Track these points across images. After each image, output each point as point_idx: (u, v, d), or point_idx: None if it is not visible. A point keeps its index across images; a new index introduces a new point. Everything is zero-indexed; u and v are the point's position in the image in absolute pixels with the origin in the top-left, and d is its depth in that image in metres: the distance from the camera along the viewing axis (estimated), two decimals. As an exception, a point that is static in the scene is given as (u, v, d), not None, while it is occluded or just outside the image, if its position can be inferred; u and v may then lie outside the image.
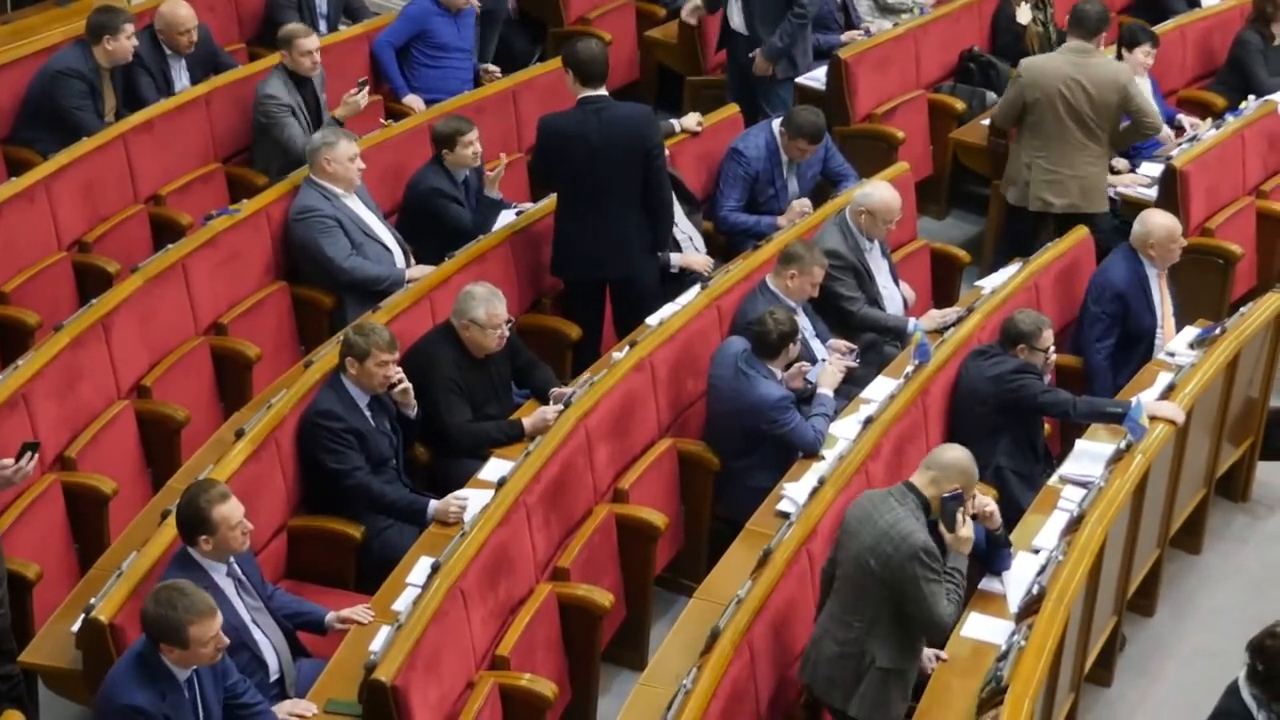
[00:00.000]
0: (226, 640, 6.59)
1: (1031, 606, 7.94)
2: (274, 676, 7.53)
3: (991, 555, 8.30)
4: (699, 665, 7.47)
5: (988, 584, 8.33)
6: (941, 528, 7.61)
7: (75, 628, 7.60)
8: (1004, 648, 7.78)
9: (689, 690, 7.29)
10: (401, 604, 7.80)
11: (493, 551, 7.98)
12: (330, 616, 7.74)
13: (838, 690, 7.65)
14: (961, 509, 7.62)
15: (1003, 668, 7.59)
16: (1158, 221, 10.26)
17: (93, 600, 7.53)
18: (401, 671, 7.18)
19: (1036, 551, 8.47)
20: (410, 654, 7.25)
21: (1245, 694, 6.89)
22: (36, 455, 7.85)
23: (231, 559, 7.39)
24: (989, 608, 8.19)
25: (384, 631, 7.56)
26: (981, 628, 8.08)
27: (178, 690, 6.39)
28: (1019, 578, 8.28)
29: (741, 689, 7.57)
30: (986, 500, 8.18)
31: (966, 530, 7.63)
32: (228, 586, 7.37)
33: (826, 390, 9.36)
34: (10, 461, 7.68)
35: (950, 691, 7.72)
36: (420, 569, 8.02)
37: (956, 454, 7.72)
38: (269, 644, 7.51)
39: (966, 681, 7.75)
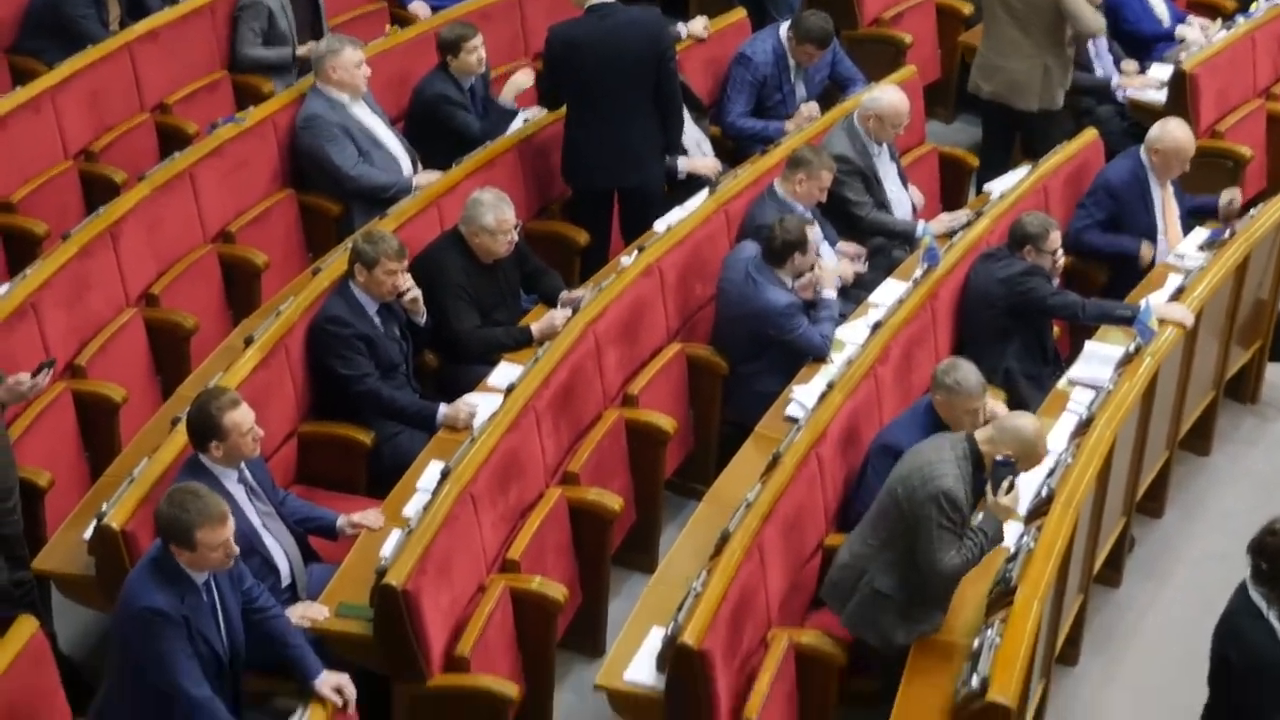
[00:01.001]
0: (237, 548, 6.60)
1: (1040, 509, 7.95)
2: (285, 582, 7.56)
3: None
4: (709, 568, 7.49)
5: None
6: (988, 488, 7.58)
7: (87, 534, 7.64)
8: (1013, 550, 7.79)
9: (699, 593, 7.32)
10: (412, 509, 7.82)
11: (503, 456, 7.99)
12: (341, 521, 7.76)
13: (836, 597, 7.69)
14: (1010, 479, 7.52)
15: (1012, 569, 7.61)
16: (1172, 132, 10.20)
17: (104, 507, 7.56)
18: (412, 576, 7.20)
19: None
20: (421, 558, 7.28)
21: (1253, 594, 6.91)
22: (52, 371, 7.86)
23: (242, 465, 7.41)
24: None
25: (394, 536, 7.59)
26: (991, 530, 8.10)
27: (196, 593, 6.43)
28: (1028, 480, 8.28)
29: (751, 592, 7.59)
30: (998, 406, 8.20)
31: (1007, 500, 7.51)
32: (238, 492, 7.39)
33: (829, 293, 9.34)
34: (26, 376, 7.68)
35: (959, 594, 7.74)
36: (430, 474, 8.04)
37: (1023, 423, 7.59)
38: (280, 549, 7.54)
39: (975, 584, 7.77)
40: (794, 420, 8.58)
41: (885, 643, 7.55)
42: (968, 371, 8.10)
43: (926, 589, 7.51)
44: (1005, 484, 7.53)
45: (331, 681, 6.69)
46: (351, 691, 6.72)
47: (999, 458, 7.53)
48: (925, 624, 7.58)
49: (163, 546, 6.39)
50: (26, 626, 6.88)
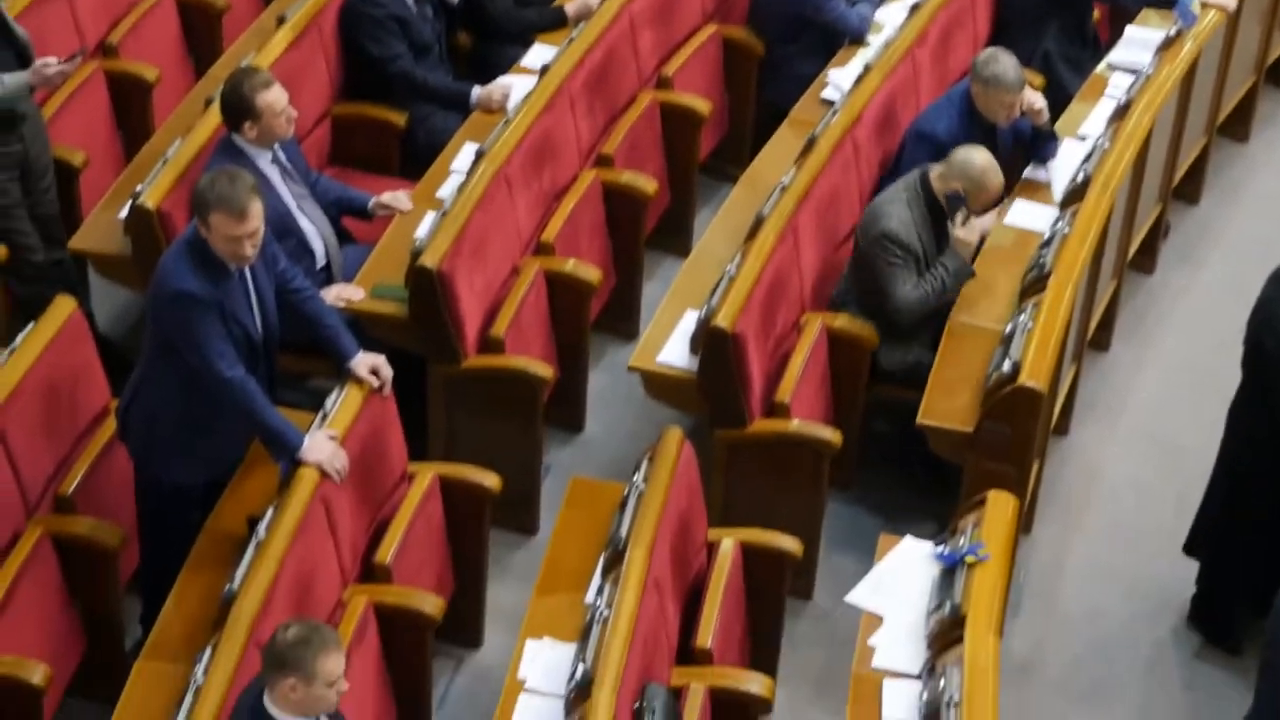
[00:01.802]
0: (260, 237, 6.50)
1: (1076, 194, 7.93)
2: (320, 263, 7.58)
3: (1037, 145, 8.28)
4: (743, 251, 7.50)
5: (1033, 172, 8.32)
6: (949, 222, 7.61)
7: (123, 215, 7.66)
8: (1048, 235, 7.79)
9: (733, 276, 7.34)
10: (446, 190, 7.81)
11: (537, 138, 7.96)
12: (373, 203, 7.75)
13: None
14: (962, 211, 7.57)
15: (1046, 254, 7.61)
16: None
17: (139, 187, 7.57)
18: (447, 257, 7.22)
19: (1083, 139, 8.42)
20: (455, 240, 7.29)
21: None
22: (81, 59, 7.81)
23: (276, 146, 7.38)
24: (1034, 195, 8.18)
25: (429, 217, 7.59)
26: (1026, 215, 8.08)
27: (229, 277, 6.43)
28: (1064, 165, 8.25)
29: (785, 274, 7.61)
30: (1035, 96, 8.13)
31: (962, 233, 7.58)
32: (272, 173, 7.38)
33: (868, -31, 9.22)
34: (54, 60, 7.62)
35: (994, 279, 7.75)
36: (465, 155, 8.02)
37: (972, 156, 7.62)
38: (315, 230, 7.54)
39: (1010, 268, 7.78)
40: (830, 103, 8.52)
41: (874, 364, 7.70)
42: (1007, 65, 8.01)
43: (895, 326, 7.61)
44: (959, 217, 7.58)
45: (368, 363, 6.74)
46: (388, 372, 6.77)
47: (949, 193, 7.54)
48: (907, 356, 7.66)
49: (197, 232, 6.37)
50: (65, 306, 6.94)
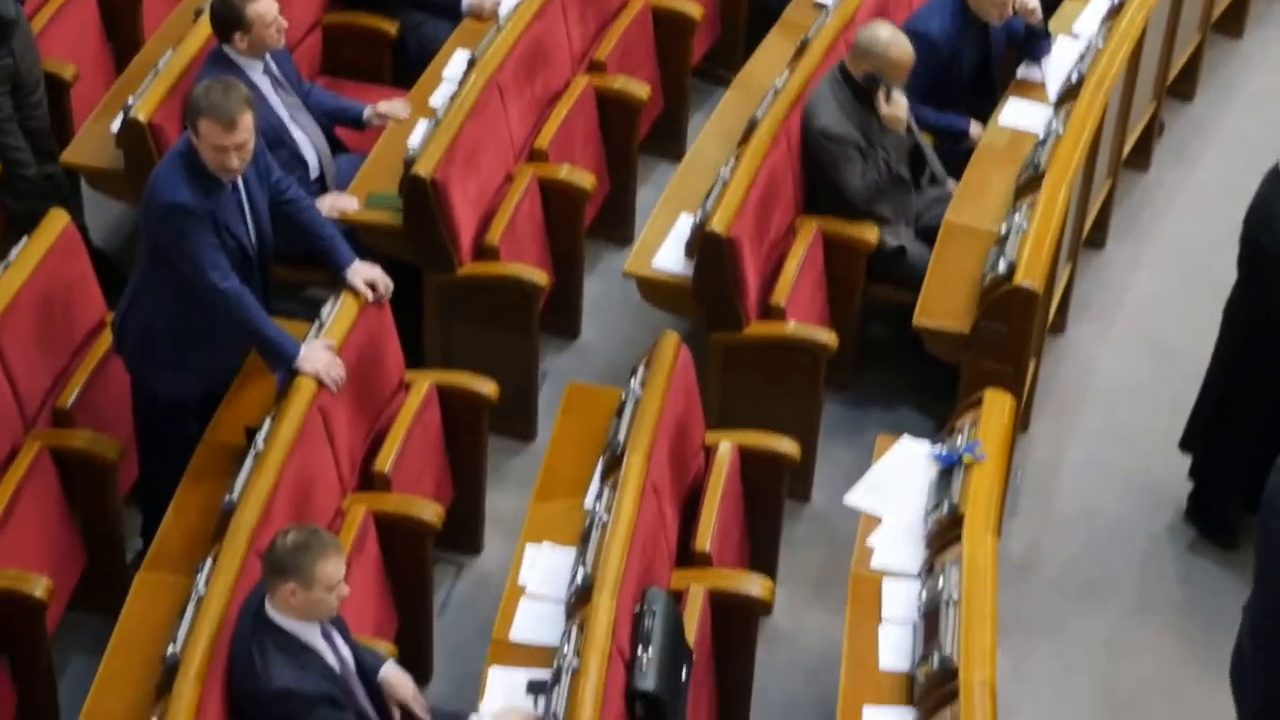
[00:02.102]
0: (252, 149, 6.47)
1: (1070, 93, 7.91)
2: (314, 174, 7.56)
3: (1030, 43, 8.25)
4: (737, 155, 7.49)
5: (1026, 71, 8.29)
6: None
7: (115, 128, 7.64)
8: (1042, 135, 7.77)
9: (727, 180, 7.32)
10: (438, 99, 7.79)
11: (529, 44, 7.93)
12: (368, 112, 7.72)
13: None
14: (882, 88, 7.55)
15: (1040, 154, 7.60)
16: None
17: (130, 100, 7.55)
18: (440, 165, 7.21)
19: (1076, 37, 8.39)
20: (449, 148, 7.27)
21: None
22: None
23: (267, 57, 7.35)
24: (1028, 94, 8.16)
25: (422, 126, 7.57)
26: (1020, 115, 8.07)
27: (222, 189, 6.41)
28: (1058, 64, 8.23)
29: (779, 177, 7.60)
30: None
31: (889, 110, 7.55)
32: (264, 84, 7.35)
33: None
34: None
35: (988, 179, 7.75)
36: (457, 63, 7.99)
37: (871, 34, 7.60)
38: (307, 140, 7.52)
39: (1004, 168, 7.77)
40: (822, 6, 8.48)
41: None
42: None
43: (857, 214, 7.64)
44: (881, 96, 7.57)
45: (363, 273, 6.73)
46: (386, 284, 6.77)
47: (864, 75, 7.56)
48: (887, 240, 7.68)
49: (189, 144, 6.35)
50: (58, 219, 6.93)
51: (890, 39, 7.57)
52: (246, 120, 6.25)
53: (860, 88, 7.61)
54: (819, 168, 7.68)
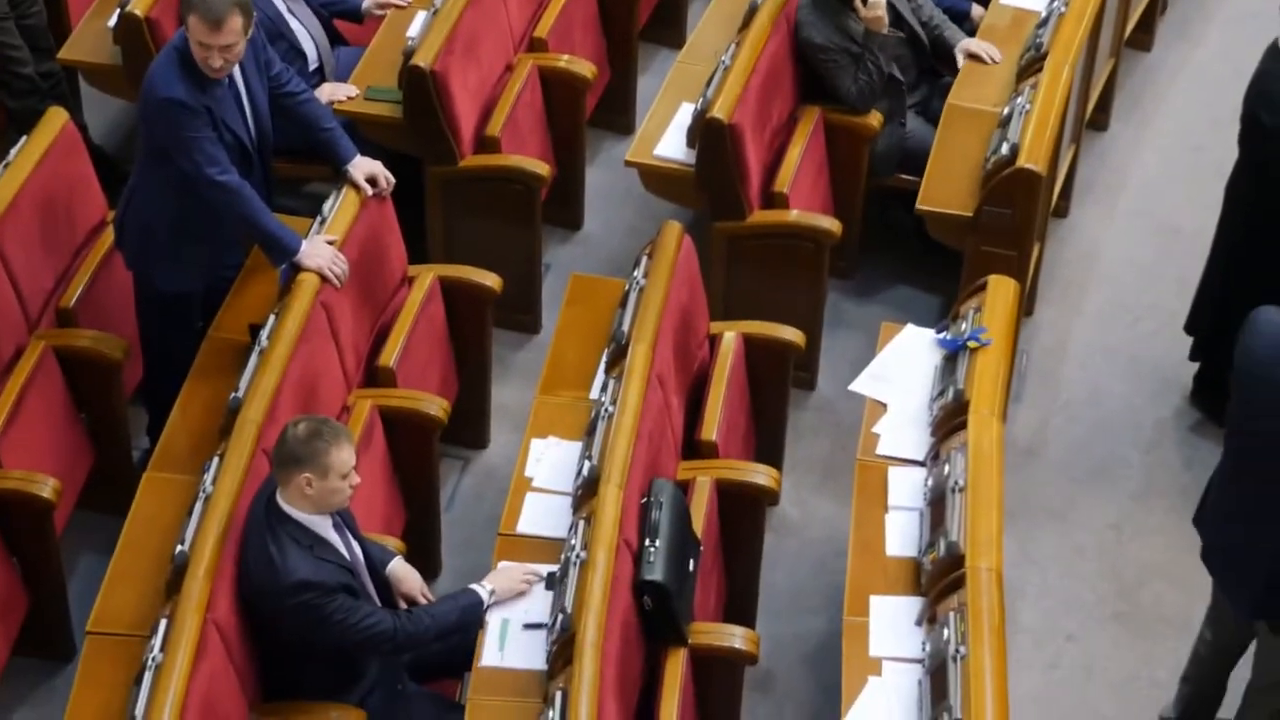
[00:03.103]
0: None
1: (1073, -27, 7.85)
2: (313, 66, 7.52)
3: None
4: (737, 41, 7.44)
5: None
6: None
7: (111, 23, 7.59)
8: (1044, 14, 7.72)
9: (728, 66, 7.28)
10: (436, -11, 7.75)
11: (526, -67, 7.88)
12: (368, 3, 7.67)
13: None
14: None
15: (1042, 34, 7.55)
16: None
17: (126, -6, 7.51)
18: (440, 56, 7.16)
19: (1078, -85, 8.32)
20: (448, 38, 7.22)
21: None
22: None
23: (262, -49, 7.29)
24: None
25: (421, 17, 7.52)
26: (1022, -6, 8.03)
27: (219, 84, 6.38)
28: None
29: (780, 64, 7.55)
30: None
31: (867, 10, 7.48)
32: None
33: None
34: None
35: (988, 66, 7.71)
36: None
37: None
38: (306, 33, 7.47)
39: (1007, 49, 7.73)
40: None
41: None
42: None
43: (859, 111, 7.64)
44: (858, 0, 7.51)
45: (365, 168, 6.69)
46: (388, 179, 6.74)
47: None
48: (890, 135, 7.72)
49: (185, 38, 6.31)
50: (57, 118, 6.90)
51: None
52: (235, 23, 6.18)
53: None
54: (813, 74, 7.64)
